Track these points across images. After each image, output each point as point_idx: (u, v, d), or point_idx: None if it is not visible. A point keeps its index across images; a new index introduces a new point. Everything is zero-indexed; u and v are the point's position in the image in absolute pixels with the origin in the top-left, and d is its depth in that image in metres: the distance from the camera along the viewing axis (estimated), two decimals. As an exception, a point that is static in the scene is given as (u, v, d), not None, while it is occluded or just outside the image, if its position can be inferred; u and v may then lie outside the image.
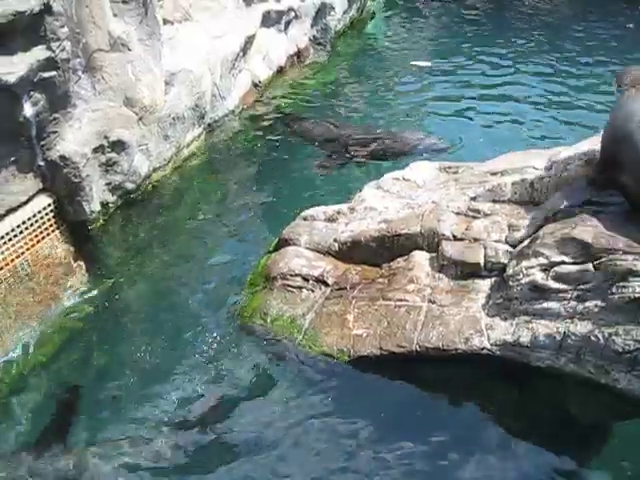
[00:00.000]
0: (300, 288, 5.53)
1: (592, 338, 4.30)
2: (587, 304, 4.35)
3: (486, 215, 5.24)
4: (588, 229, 4.46)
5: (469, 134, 9.02)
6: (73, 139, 6.46)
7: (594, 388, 4.41)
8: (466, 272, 5.02)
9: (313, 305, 5.38)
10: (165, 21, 8.33)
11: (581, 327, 4.34)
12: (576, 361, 4.39)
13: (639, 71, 4.99)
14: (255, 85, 10.19)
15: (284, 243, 5.94)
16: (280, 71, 10.83)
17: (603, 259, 4.32)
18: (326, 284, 5.50)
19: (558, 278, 4.45)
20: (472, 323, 4.68)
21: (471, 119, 9.69)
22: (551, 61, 11.82)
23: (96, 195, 6.79)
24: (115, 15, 7.13)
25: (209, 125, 8.98)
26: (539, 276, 4.50)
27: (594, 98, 9.92)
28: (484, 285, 4.90)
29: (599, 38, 12.81)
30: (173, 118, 7.96)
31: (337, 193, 7.38)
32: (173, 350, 5.59)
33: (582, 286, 4.39)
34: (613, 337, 4.24)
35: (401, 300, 5.02)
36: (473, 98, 10.47)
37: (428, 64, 11.85)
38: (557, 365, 4.45)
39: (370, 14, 13.97)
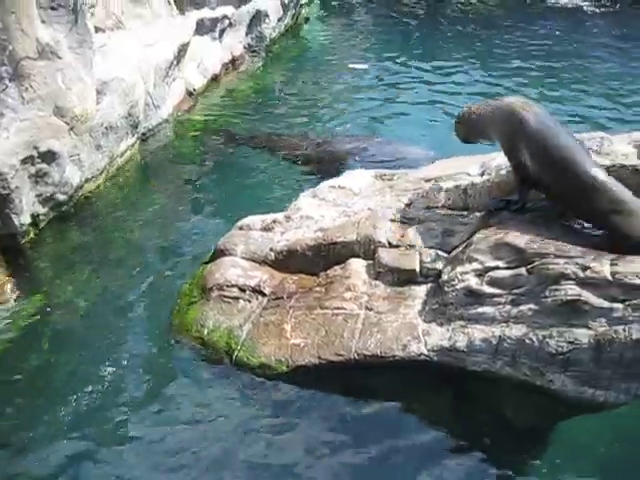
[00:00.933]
0: (237, 299, 5.45)
1: (527, 341, 4.36)
2: (521, 308, 4.41)
3: (421, 222, 5.27)
4: (521, 234, 4.54)
5: (409, 135, 9.15)
6: (0, 150, 6.28)
7: (530, 391, 4.46)
8: (402, 279, 5.03)
9: (250, 316, 5.31)
10: (96, 29, 8.18)
11: (516, 331, 4.40)
12: (512, 364, 4.44)
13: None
14: (190, 93, 10.12)
15: (220, 253, 5.86)
16: (215, 79, 10.79)
17: (536, 263, 4.39)
18: (263, 294, 5.44)
19: (492, 283, 4.51)
20: (409, 329, 4.69)
21: (410, 121, 9.81)
22: (484, 60, 12.10)
23: (26, 207, 6.62)
24: (43, 22, 6.97)
25: (143, 134, 8.86)
26: (474, 281, 4.54)
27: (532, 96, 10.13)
28: (420, 291, 4.92)
29: (532, 36, 13.14)
30: (106, 127, 7.82)
31: (274, 201, 7.33)
32: (107, 366, 5.44)
33: (516, 290, 4.45)
34: (547, 339, 4.31)
35: (338, 308, 5.00)
36: (411, 98, 10.68)
37: (365, 66, 11.97)
38: (493, 369, 4.48)
39: (305, 20, 14.01)
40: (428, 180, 5.65)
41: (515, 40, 13.22)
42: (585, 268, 4.25)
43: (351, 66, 11.97)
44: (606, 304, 4.21)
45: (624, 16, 14.78)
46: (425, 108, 10.28)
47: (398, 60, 12.23)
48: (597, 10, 15.09)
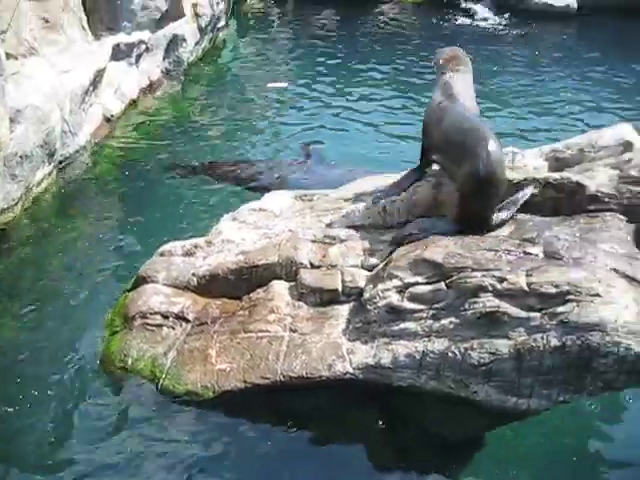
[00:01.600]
0: (160, 326, 5.38)
1: (449, 354, 4.43)
2: (442, 322, 4.48)
3: (342, 241, 5.30)
4: (439, 249, 4.62)
5: (336, 152, 9.28)
6: None
7: (456, 403, 4.54)
8: (325, 299, 5.04)
9: (175, 343, 5.25)
10: (8, 55, 7.98)
11: (438, 344, 4.46)
12: (436, 378, 4.50)
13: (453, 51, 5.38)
14: (107, 119, 9.95)
15: (142, 281, 5.77)
16: (133, 104, 10.63)
17: (454, 277, 4.47)
18: (187, 320, 5.37)
19: (413, 299, 4.57)
20: (334, 349, 4.70)
21: (334, 137, 9.95)
22: (402, 76, 12.41)
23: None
24: (-49, 50, 6.78)
25: (60, 162, 8.67)
26: (395, 298, 4.59)
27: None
28: (344, 310, 4.94)
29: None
30: (20, 156, 7.61)
31: (197, 226, 7.26)
32: (30, 400, 5.27)
33: (436, 305, 4.52)
34: (469, 351, 4.39)
35: (262, 331, 4.98)
36: (331, 115, 10.81)
37: (284, 85, 12.03)
38: (418, 383, 4.54)
39: (223, 43, 14.00)
40: (347, 199, 5.70)
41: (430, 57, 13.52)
42: (502, 280, 4.35)
43: (270, 85, 12.02)
44: (524, 314, 4.32)
45: (532, 34, 15.31)
46: (347, 124, 10.42)
47: (317, 78, 12.36)
48: (503, 28, 15.57)
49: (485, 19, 16.04)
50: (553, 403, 4.41)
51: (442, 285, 4.50)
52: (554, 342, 4.22)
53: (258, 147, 9.83)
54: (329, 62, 13.20)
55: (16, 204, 7.66)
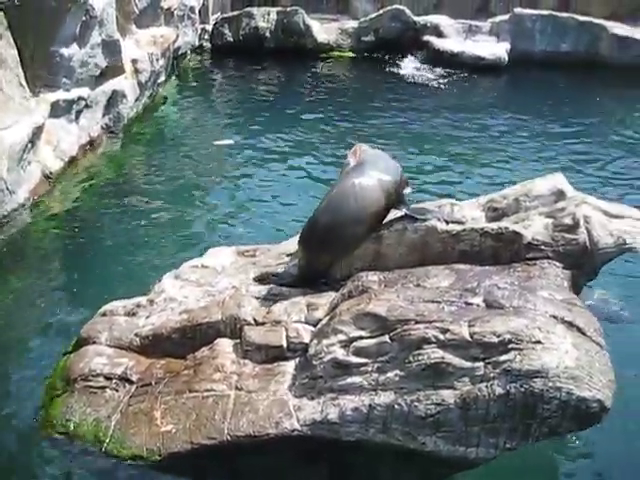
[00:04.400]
0: (103, 388, 5.27)
1: (396, 407, 4.43)
2: (388, 375, 4.49)
3: (285, 297, 5.31)
4: (381, 302, 4.66)
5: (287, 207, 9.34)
6: None
7: (406, 455, 4.53)
8: (271, 355, 5.01)
9: (118, 405, 5.13)
10: (-58, 115, 7.89)
11: (385, 397, 4.46)
12: (384, 431, 4.49)
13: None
14: (46, 177, 9.81)
15: (83, 342, 5.67)
16: (72, 161, 10.50)
17: (398, 330, 4.50)
18: (130, 381, 5.27)
19: (358, 353, 4.57)
20: (281, 406, 4.66)
21: (285, 192, 10.00)
22: (346, 129, 12.55)
23: None
24: None
25: (-2, 221, 8.52)
26: (340, 352, 4.60)
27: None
28: (289, 367, 4.92)
29: (387, 107, 13.76)
30: (-45, 217, 7.48)
31: (139, 284, 7.14)
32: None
33: (381, 358, 4.53)
34: (415, 403, 4.40)
35: (208, 390, 4.91)
36: (281, 169, 10.90)
37: (230, 142, 12.02)
38: (366, 437, 4.51)
39: (163, 99, 14.01)
40: (289, 254, 5.72)
41: (372, 107, 13.83)
42: (445, 331, 4.40)
43: (216, 143, 12.00)
44: (468, 364, 4.36)
45: (463, 86, 15.80)
46: (295, 178, 10.53)
47: (264, 133, 12.39)
48: (436, 80, 16.02)
49: (419, 72, 16.47)
50: (500, 450, 4.43)
51: (386, 338, 4.52)
52: (499, 390, 4.27)
53: (203, 204, 9.79)
54: (272, 118, 13.29)
55: (-49, 265, 7.48)
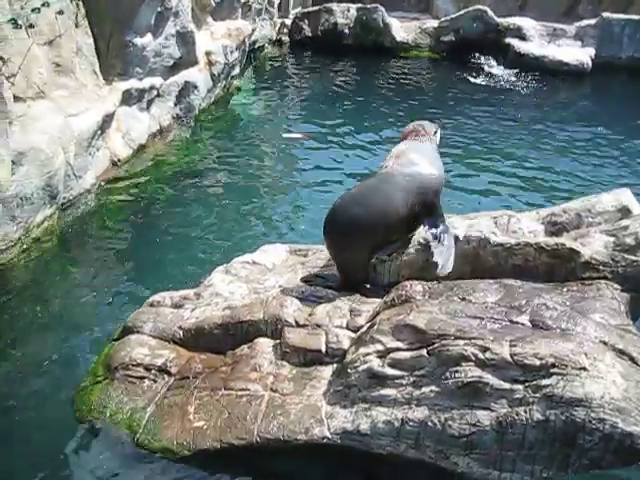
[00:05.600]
0: (142, 378, 5.29)
1: (429, 423, 4.29)
2: (423, 390, 4.35)
3: (329, 300, 5.22)
4: (422, 314, 4.51)
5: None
6: None
7: (437, 473, 4.39)
8: (309, 359, 4.93)
9: (155, 396, 5.14)
10: (16, 98, 8.07)
11: (418, 413, 4.33)
12: (416, 447, 4.36)
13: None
14: (114, 163, 10.00)
15: (128, 331, 5.71)
16: (141, 149, 10.68)
17: (436, 345, 4.35)
18: (169, 374, 5.28)
19: (394, 365, 4.44)
20: (313, 412, 4.57)
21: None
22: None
23: None
24: (-47, 91, 6.85)
25: (62, 205, 8.68)
26: (376, 363, 4.47)
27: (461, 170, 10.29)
28: (326, 372, 4.83)
29: (460, 111, 13.45)
30: (21, 198, 7.64)
31: (195, 276, 7.17)
32: (8, 447, 5.18)
33: (417, 372, 4.39)
34: (449, 422, 4.25)
35: (243, 389, 4.86)
36: (350, 167, 10.71)
37: (300, 135, 11.99)
38: (398, 451, 4.39)
39: (236, 90, 14.08)
40: (337, 257, 5.62)
41: (445, 112, 13.58)
42: (485, 349, 4.23)
43: (285, 136, 12.00)
44: (506, 385, 4.18)
45: (544, 92, 15.36)
46: (364, 177, 10.34)
47: (334, 129, 12.35)
48: (515, 85, 15.63)
49: (498, 75, 16.13)
50: (536, 478, 4.23)
51: (424, 352, 4.37)
52: (537, 416, 4.09)
53: (267, 198, 9.77)
54: (346, 114, 13.23)
55: (14, 245, 7.65)
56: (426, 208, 5.23)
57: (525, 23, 16.96)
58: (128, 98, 10.38)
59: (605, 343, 4.31)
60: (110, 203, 9.26)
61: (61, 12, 8.78)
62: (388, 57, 16.89)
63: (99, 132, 9.40)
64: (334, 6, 17.45)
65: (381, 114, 13.22)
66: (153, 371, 5.31)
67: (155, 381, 5.26)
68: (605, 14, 16.71)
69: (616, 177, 10.73)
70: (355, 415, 4.46)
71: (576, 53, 16.34)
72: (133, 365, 5.35)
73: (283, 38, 17.68)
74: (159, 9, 10.36)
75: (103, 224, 8.81)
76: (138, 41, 10.31)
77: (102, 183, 9.58)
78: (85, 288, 7.43)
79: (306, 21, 17.49)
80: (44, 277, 7.59)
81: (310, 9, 17.98)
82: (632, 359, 4.29)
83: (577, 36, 16.76)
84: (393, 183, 5.19)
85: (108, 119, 9.66)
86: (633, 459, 4.08)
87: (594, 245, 5.06)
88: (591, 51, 16.37)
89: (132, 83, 10.46)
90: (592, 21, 16.81)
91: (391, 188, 5.16)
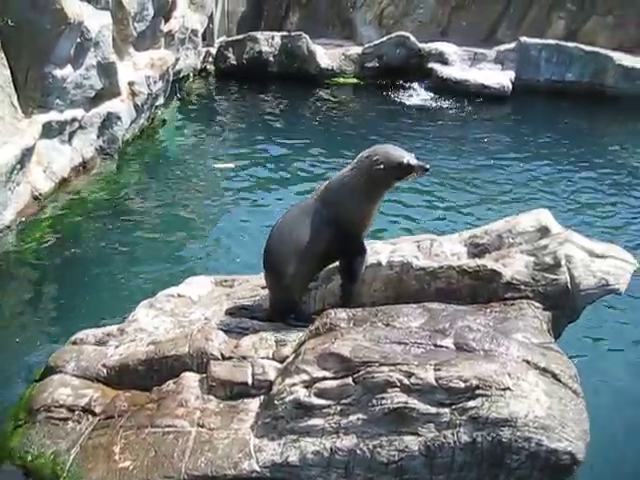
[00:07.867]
0: (65, 420, 5.11)
1: (358, 451, 4.26)
2: (350, 418, 4.31)
3: (255, 331, 5.16)
4: (347, 342, 4.49)
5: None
6: None
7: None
8: (235, 392, 4.84)
9: (79, 438, 4.97)
10: None
11: (347, 441, 4.28)
12: (346, 475, 4.30)
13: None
14: (36, 198, 9.75)
15: (50, 371, 5.52)
16: (64, 183, 10.44)
17: (361, 372, 4.33)
18: (94, 413, 5.11)
19: (320, 394, 4.39)
20: (241, 446, 4.49)
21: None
22: (344, 152, 12.33)
23: None
24: None
25: (-18, 242, 8.44)
26: (302, 393, 4.42)
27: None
28: (253, 404, 4.75)
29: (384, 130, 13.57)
30: (-64, 236, 7.39)
31: (120, 311, 7.01)
32: None
33: (344, 400, 4.34)
34: (378, 449, 4.22)
35: (170, 426, 4.74)
36: (281, 196, 10.71)
37: (231, 165, 11.92)
38: (328, 482, 4.35)
39: (162, 122, 13.95)
40: (265, 287, 5.57)
41: (374, 134, 13.69)
42: (410, 375, 4.23)
43: (217, 166, 11.93)
44: (433, 409, 4.18)
45: (467, 113, 15.71)
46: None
47: (265, 158, 12.35)
48: (439, 108, 15.97)
49: (422, 99, 16.44)
50: (467, 501, 4.25)
51: (349, 380, 4.34)
52: (465, 438, 4.10)
53: (194, 231, 9.65)
54: (274, 141, 13.23)
55: None
56: (344, 239, 5.21)
57: (447, 48, 17.32)
58: (48, 130, 10.15)
59: (528, 362, 4.37)
60: (31, 240, 9.01)
61: (-25, 45, 8.58)
62: (314, 84, 16.99)
63: (18, 166, 9.16)
64: (258, 34, 17.51)
65: (309, 142, 13.25)
66: (77, 412, 5.14)
67: (79, 422, 5.09)
68: (523, 38, 17.21)
69: (536, 196, 11.00)
70: (284, 447, 4.40)
71: (497, 76, 16.74)
72: (55, 406, 5.17)
73: (208, 67, 17.63)
74: (78, 40, 10.19)
75: (24, 262, 8.57)
76: (58, 72, 10.10)
77: (23, 219, 9.33)
78: (4, 330, 7.19)
79: (231, 50, 17.50)
80: (-39, 317, 7.33)
81: (235, 38, 18.00)
82: (554, 376, 4.36)
83: (497, 60, 17.19)
84: (312, 213, 5.15)
85: (28, 152, 9.43)
86: (559, 475, 4.13)
87: (515, 265, 5.13)
88: (511, 74, 16.80)
89: (52, 115, 10.24)
90: (511, 45, 17.29)
91: (309, 219, 5.12)
